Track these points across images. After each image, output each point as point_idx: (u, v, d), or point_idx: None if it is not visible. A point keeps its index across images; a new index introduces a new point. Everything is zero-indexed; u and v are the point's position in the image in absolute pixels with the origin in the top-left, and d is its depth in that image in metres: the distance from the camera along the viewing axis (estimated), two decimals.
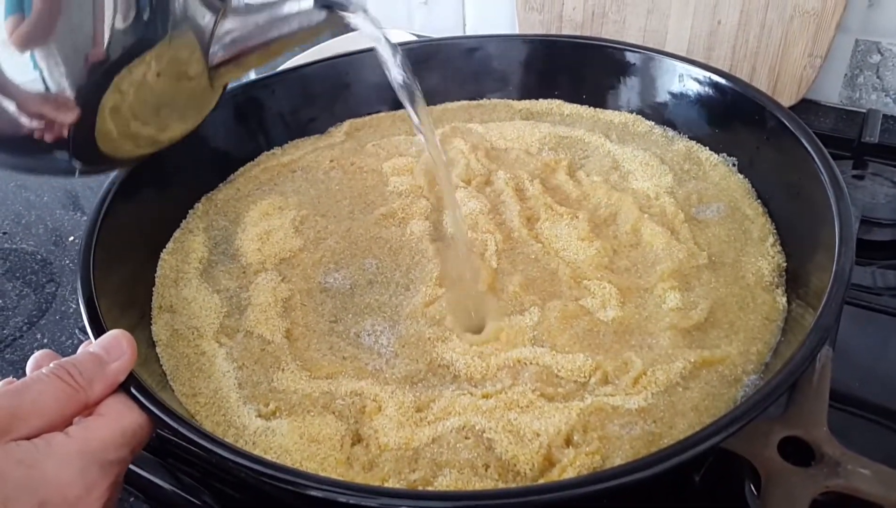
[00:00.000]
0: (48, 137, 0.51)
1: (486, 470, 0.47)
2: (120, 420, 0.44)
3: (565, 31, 1.10)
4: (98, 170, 0.62)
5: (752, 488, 0.49)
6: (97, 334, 0.50)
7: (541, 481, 0.46)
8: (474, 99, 0.87)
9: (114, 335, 0.47)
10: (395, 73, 0.57)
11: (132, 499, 0.55)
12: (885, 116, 0.96)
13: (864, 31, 0.98)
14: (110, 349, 0.46)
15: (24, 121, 0.50)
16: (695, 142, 0.75)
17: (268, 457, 0.46)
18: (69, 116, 0.50)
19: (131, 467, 0.55)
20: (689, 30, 1.01)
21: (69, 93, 0.49)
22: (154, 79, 0.52)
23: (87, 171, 0.61)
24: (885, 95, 1.01)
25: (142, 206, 0.65)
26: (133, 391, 0.46)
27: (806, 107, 1.02)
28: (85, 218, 0.86)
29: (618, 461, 0.46)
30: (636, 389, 0.51)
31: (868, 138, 0.89)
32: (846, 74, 1.02)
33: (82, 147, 0.53)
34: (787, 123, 0.64)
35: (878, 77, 1.00)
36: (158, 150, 0.61)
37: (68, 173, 0.63)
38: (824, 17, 0.93)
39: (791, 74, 0.99)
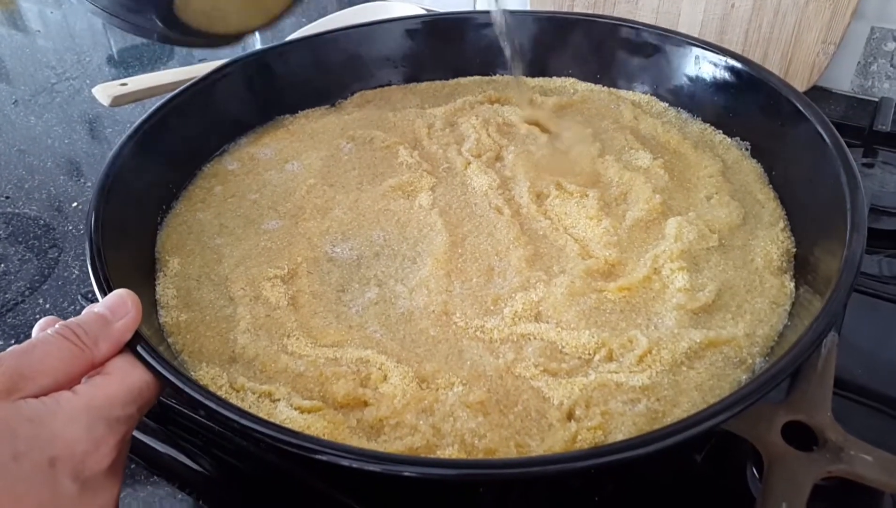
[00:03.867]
0: None
1: (481, 441, 0.47)
2: (126, 378, 0.44)
3: (577, 10, 1.08)
4: (178, 40, 0.64)
5: (755, 471, 0.49)
6: (103, 293, 0.50)
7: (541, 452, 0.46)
8: (487, 75, 0.86)
9: (118, 294, 0.47)
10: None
11: (132, 465, 0.55)
12: None
13: (881, 18, 0.97)
14: (115, 308, 0.46)
15: None
16: (709, 125, 0.75)
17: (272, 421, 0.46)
18: None
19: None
20: (702, 12, 1.00)
21: None
22: None
23: (168, 37, 0.63)
24: None
25: (150, 169, 0.65)
26: (139, 349, 0.46)
27: (817, 94, 1.01)
28: (89, 185, 0.87)
29: (619, 436, 0.46)
30: (640, 367, 0.51)
31: (880, 127, 0.88)
32: (859, 62, 1.01)
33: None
34: (802, 110, 0.64)
35: (891, 65, 0.99)
36: (236, 35, 0.62)
37: (148, 35, 0.64)
38: (840, 4, 0.92)
39: (803, 61, 0.98)
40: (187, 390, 0.44)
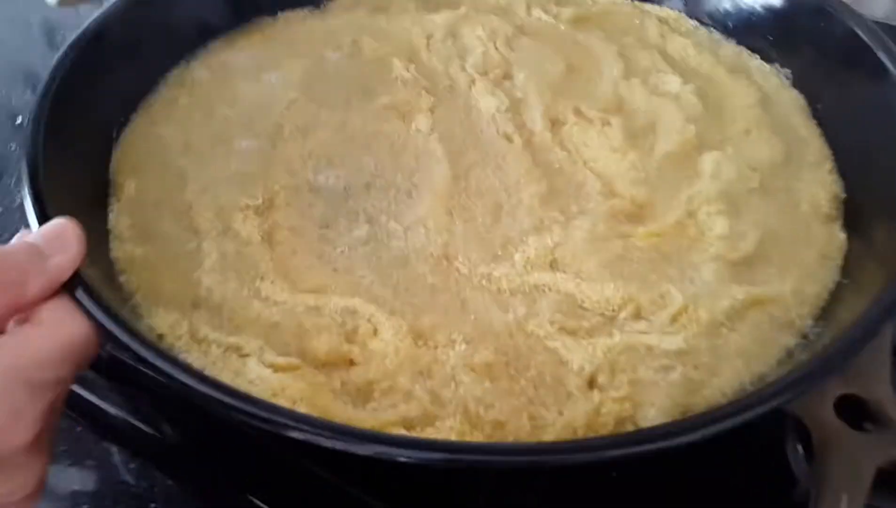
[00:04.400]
0: None
1: (488, 411, 0.40)
2: (59, 330, 0.36)
3: None
4: None
5: (799, 447, 0.43)
6: (40, 222, 0.41)
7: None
8: None
9: (57, 223, 0.39)
10: None
11: (79, 428, 0.48)
12: None
13: None
14: (52, 240, 0.38)
15: None
16: (744, 48, 0.66)
17: (239, 386, 0.39)
18: None
19: (77, 390, 0.48)
20: None
21: None
22: None
23: None
24: None
25: (104, 76, 0.56)
26: (78, 293, 0.38)
27: None
28: None
29: (651, 411, 0.40)
30: (674, 328, 0.44)
31: None
32: None
33: None
34: (860, 33, 0.56)
35: None
36: None
37: None
38: None
39: None
40: (134, 345, 0.36)
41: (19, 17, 0.91)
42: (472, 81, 0.62)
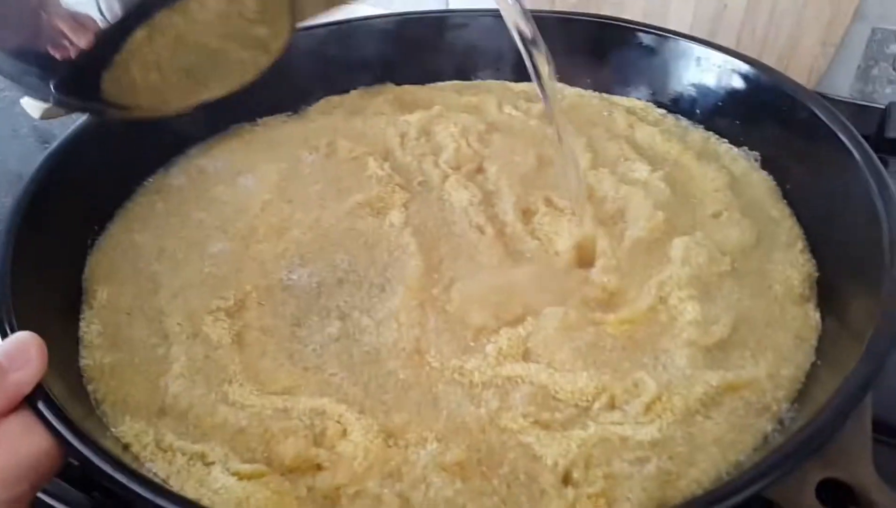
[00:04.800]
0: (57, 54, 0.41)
1: None
2: (19, 447, 0.35)
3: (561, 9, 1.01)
4: (77, 108, 0.52)
5: None
6: (3, 337, 0.41)
7: None
8: (466, 79, 0.78)
9: (20, 338, 0.39)
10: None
11: None
12: None
13: (883, 18, 0.89)
14: (14, 355, 0.38)
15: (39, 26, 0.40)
16: (712, 134, 0.67)
17: (203, 496, 0.38)
18: (84, 41, 0.40)
19: (47, 500, 0.46)
20: (692, 13, 0.92)
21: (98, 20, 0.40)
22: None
23: (65, 103, 0.49)
24: None
25: (81, 185, 0.57)
26: (40, 406, 0.37)
27: None
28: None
29: (626, 506, 0.38)
30: (649, 417, 0.43)
31: (892, 134, 0.81)
32: (859, 66, 0.94)
33: (82, 78, 0.43)
34: (823, 118, 0.57)
35: (894, 69, 0.92)
36: (161, 116, 0.50)
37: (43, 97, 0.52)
38: (842, 3, 0.85)
39: (801, 65, 0.90)
40: (93, 458, 0.35)
41: (12, 127, 0.94)
42: (446, 176, 0.63)
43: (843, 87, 0.95)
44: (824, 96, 0.95)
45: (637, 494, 0.39)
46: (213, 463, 0.41)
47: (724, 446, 0.42)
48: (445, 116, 0.70)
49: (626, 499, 0.39)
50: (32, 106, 0.71)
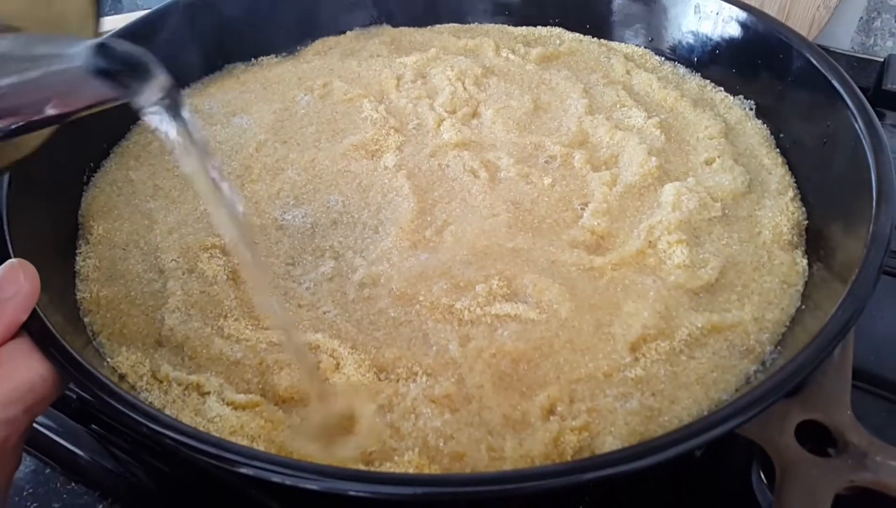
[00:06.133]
0: None
1: (447, 444, 0.40)
2: (14, 371, 0.36)
3: None
4: None
5: (762, 475, 0.43)
6: None
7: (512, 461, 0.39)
8: (463, 22, 0.78)
9: (9, 265, 0.39)
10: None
11: (47, 470, 0.47)
12: None
13: None
14: (4, 282, 0.38)
15: None
16: (709, 81, 0.67)
17: (198, 424, 0.39)
18: None
19: (46, 433, 0.48)
20: None
21: None
22: None
23: None
24: None
25: (76, 126, 0.56)
26: (36, 335, 0.38)
27: None
28: None
29: (609, 439, 0.40)
30: (633, 356, 0.44)
31: (891, 86, 0.81)
32: (861, 18, 0.93)
33: None
34: (817, 64, 0.57)
35: None
36: None
37: None
38: None
39: (802, 16, 0.90)
40: (89, 385, 0.36)
41: None
42: (441, 120, 0.63)
43: (845, 39, 0.95)
44: (825, 49, 0.94)
45: (620, 428, 0.40)
46: (208, 394, 0.42)
47: (706, 385, 0.43)
48: (442, 59, 0.70)
49: (609, 432, 0.40)
50: None
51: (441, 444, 0.40)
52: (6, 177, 0.48)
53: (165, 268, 0.50)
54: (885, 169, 0.47)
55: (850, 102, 0.53)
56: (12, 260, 0.39)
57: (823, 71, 0.56)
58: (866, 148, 0.49)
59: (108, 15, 1.08)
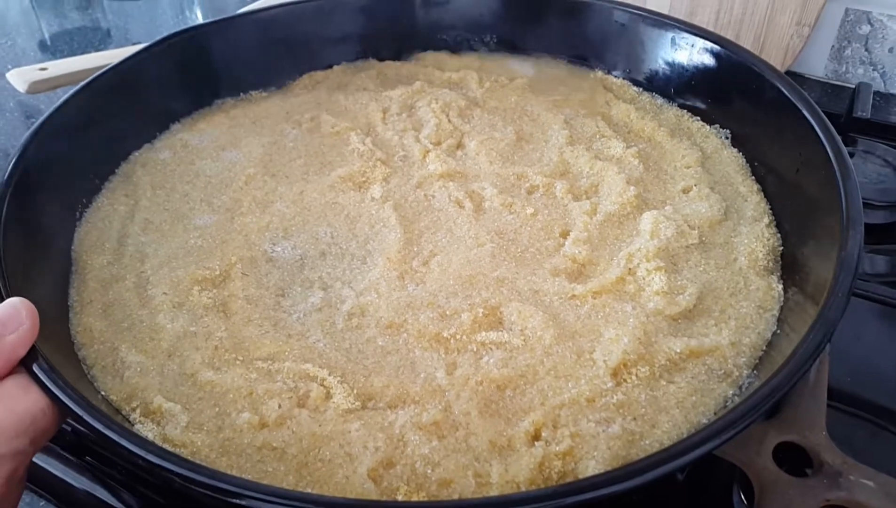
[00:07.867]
0: None
1: (435, 470, 0.41)
2: (16, 405, 0.37)
3: None
4: None
5: (742, 496, 0.44)
6: None
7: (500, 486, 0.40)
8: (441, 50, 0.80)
9: (10, 303, 0.40)
10: None
11: (42, 503, 0.48)
12: (875, 91, 0.91)
13: None
14: (6, 320, 0.39)
15: None
16: (686, 111, 0.69)
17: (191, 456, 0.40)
18: None
19: (41, 465, 0.48)
20: None
21: None
22: None
23: None
24: (873, 70, 0.95)
25: (67, 159, 0.58)
26: (35, 368, 0.39)
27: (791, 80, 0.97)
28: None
29: (592, 463, 0.41)
30: (614, 381, 0.45)
31: (860, 113, 0.83)
32: (833, 46, 0.96)
33: None
34: (788, 94, 0.59)
35: (866, 50, 0.94)
36: None
37: None
38: None
39: (777, 44, 0.93)
40: (87, 418, 0.37)
41: (3, 102, 0.94)
42: (426, 152, 0.65)
43: (819, 67, 0.98)
44: (799, 76, 0.98)
45: (602, 452, 0.41)
46: (200, 425, 0.42)
47: (686, 408, 0.44)
48: (427, 91, 0.72)
49: (592, 457, 0.41)
50: (18, 80, 0.72)
51: (429, 471, 0.41)
52: (3, 214, 0.49)
53: (156, 301, 0.51)
54: (852, 195, 0.49)
55: (819, 132, 0.55)
56: (15, 299, 0.40)
57: (794, 101, 0.58)
58: (836, 175, 0.51)
59: (98, 50, 1.10)
